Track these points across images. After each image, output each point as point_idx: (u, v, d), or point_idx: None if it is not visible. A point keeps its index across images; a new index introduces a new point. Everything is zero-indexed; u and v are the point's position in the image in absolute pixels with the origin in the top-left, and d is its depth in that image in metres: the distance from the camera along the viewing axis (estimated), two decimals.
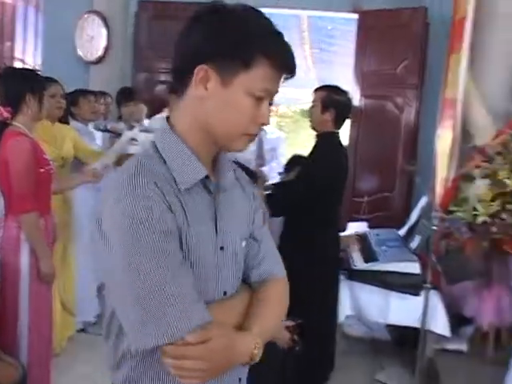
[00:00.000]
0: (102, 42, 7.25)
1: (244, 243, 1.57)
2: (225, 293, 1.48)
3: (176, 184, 1.36)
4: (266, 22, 1.40)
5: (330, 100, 3.84)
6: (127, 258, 1.26)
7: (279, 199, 3.86)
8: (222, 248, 1.47)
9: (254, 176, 3.82)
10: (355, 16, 6.85)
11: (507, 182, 3.80)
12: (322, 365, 3.95)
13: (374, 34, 6.57)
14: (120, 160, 4.76)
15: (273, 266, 1.64)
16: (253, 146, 6.00)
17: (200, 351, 1.25)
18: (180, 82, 1.41)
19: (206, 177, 1.43)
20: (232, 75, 1.33)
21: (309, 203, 3.76)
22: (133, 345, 1.31)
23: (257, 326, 1.44)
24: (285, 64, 1.38)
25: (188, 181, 1.39)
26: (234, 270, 1.52)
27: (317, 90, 3.99)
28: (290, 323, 3.11)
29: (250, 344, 1.40)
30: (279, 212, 3.85)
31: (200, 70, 1.33)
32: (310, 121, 4.01)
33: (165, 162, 1.39)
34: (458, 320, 4.25)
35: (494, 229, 3.84)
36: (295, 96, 13.87)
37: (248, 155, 5.79)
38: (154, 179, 1.31)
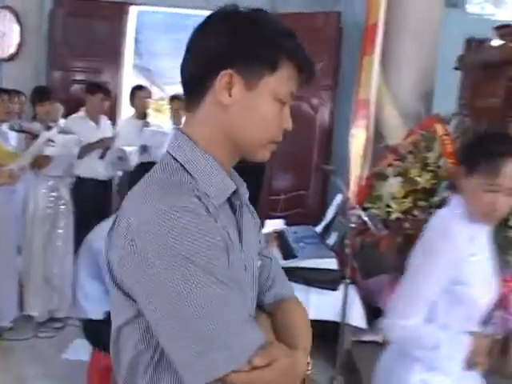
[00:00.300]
0: (15, 39, 6.98)
1: (259, 262, 1.47)
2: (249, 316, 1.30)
3: (209, 200, 1.22)
4: (283, 25, 1.29)
5: None
6: (182, 287, 1.09)
7: None
8: (245, 268, 1.34)
9: None
10: None
11: (418, 179, 3.89)
12: None
13: None
14: (36, 161, 4.61)
15: (284, 286, 1.54)
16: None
17: (269, 374, 1.13)
18: (196, 90, 1.27)
19: (234, 192, 1.31)
20: (257, 79, 1.23)
21: None
22: (192, 381, 1.13)
23: (301, 347, 1.32)
24: (307, 65, 1.30)
25: (220, 196, 1.26)
26: (255, 291, 1.41)
27: None
28: None
29: (305, 362, 1.31)
30: None
31: (224, 76, 1.21)
32: None
33: (192, 176, 1.23)
34: (373, 312, 4.31)
35: (406, 224, 3.91)
36: None
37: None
38: (196, 193, 1.18)
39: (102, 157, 5.69)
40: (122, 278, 1.17)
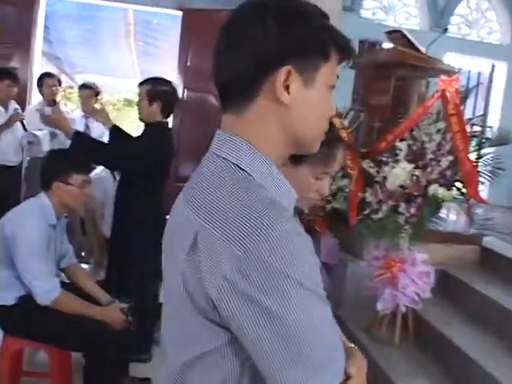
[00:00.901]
0: None
1: None
2: None
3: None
4: (316, 7, 1.12)
5: (156, 92, 3.75)
6: (301, 316, 0.95)
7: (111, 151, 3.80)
8: None
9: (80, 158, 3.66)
10: (180, 13, 6.83)
11: None
12: (147, 339, 3.89)
13: (196, 31, 6.57)
14: None
15: None
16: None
17: (360, 379, 1.10)
18: (244, 90, 1.08)
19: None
20: (314, 72, 1.08)
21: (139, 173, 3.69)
22: None
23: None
24: (348, 44, 1.14)
25: (290, 208, 1.12)
26: None
27: (141, 83, 3.88)
28: (124, 305, 3.05)
29: None
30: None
31: (282, 73, 1.05)
32: (139, 113, 3.91)
33: (265, 187, 1.06)
34: None
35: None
36: (119, 86, 13.56)
37: None
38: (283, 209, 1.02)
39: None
40: (219, 305, 0.97)
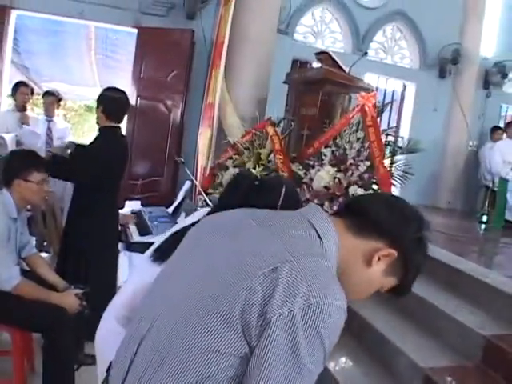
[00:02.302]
0: None
1: None
2: None
3: None
4: None
5: (100, 97, 3.61)
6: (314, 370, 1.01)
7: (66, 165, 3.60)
8: None
9: (45, 161, 3.48)
10: (135, 31, 6.74)
11: (253, 170, 3.93)
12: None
13: (150, 47, 6.47)
14: None
15: None
16: (43, 135, 5.57)
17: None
18: (368, 229, 1.17)
19: None
20: (399, 272, 1.22)
21: (93, 179, 3.54)
22: None
23: None
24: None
25: None
26: None
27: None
28: (79, 291, 2.95)
29: None
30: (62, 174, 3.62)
31: (387, 251, 1.16)
32: (96, 119, 3.77)
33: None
34: None
35: None
36: (81, 93, 13.27)
37: (39, 143, 5.39)
38: None
39: None
40: (270, 327, 0.97)
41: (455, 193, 8.61)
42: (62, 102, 6.15)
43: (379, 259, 1.15)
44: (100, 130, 3.66)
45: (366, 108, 3.45)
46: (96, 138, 3.69)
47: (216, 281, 1.06)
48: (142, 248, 4.07)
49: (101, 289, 3.57)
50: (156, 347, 1.09)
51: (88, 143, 3.86)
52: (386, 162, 3.74)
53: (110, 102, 3.60)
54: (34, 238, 4.54)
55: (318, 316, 0.97)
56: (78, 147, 3.88)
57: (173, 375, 1.04)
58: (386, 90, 5.95)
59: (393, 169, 3.77)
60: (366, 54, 5.30)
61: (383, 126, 4.40)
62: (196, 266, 1.15)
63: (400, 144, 4.45)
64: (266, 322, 0.97)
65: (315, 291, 0.98)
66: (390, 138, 4.26)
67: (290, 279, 0.98)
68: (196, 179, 4.96)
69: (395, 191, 7.03)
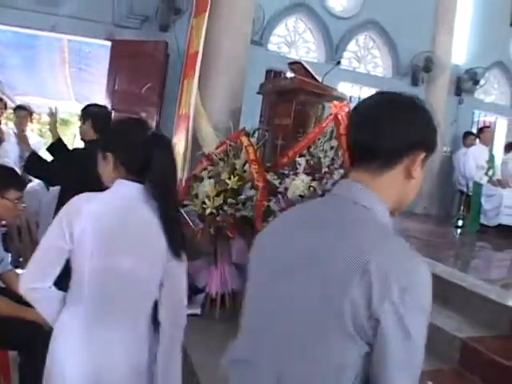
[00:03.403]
0: None
1: None
2: None
3: None
4: None
5: (86, 112, 3.67)
6: (421, 342, 1.12)
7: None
8: None
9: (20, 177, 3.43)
10: (109, 43, 6.71)
11: (228, 181, 3.92)
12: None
13: (124, 59, 6.47)
14: None
15: None
16: (16, 151, 5.51)
17: None
18: (390, 159, 1.24)
19: None
20: (427, 159, 1.28)
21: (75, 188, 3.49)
22: None
23: None
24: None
25: None
26: None
27: (82, 109, 3.80)
28: None
29: None
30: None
31: (421, 157, 1.25)
32: (80, 133, 3.79)
33: None
34: (193, 290, 4.29)
35: (218, 218, 3.94)
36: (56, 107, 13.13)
37: (12, 157, 5.33)
38: None
39: None
40: (380, 322, 1.07)
41: (430, 198, 8.71)
42: (36, 116, 6.10)
43: (415, 169, 1.25)
44: (87, 143, 3.68)
45: (339, 117, 3.46)
46: (82, 149, 3.71)
47: (318, 303, 1.14)
48: None
49: None
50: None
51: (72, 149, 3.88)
52: None
53: (98, 116, 3.68)
54: (10, 255, 4.47)
55: (414, 295, 1.07)
56: (60, 149, 3.87)
57: None
58: (359, 99, 5.99)
59: None
60: (338, 63, 5.34)
61: None
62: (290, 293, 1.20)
63: None
64: (376, 321, 1.07)
65: (402, 275, 1.08)
66: None
67: (379, 275, 1.07)
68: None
69: None
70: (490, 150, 7.52)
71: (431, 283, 1.11)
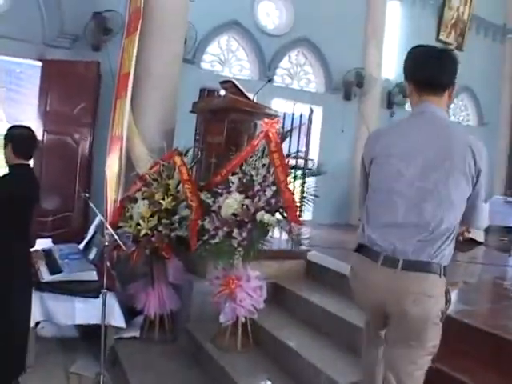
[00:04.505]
0: None
1: None
2: None
3: None
4: None
5: (8, 135, 3.53)
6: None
7: None
8: None
9: None
10: (40, 63, 6.57)
11: (162, 202, 3.91)
12: (12, 367, 3.56)
13: (55, 79, 6.33)
14: None
15: None
16: None
17: None
18: (444, 88, 2.19)
19: None
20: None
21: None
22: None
23: None
24: None
25: None
26: None
27: (5, 133, 3.67)
28: None
29: None
30: None
31: (454, 88, 2.23)
32: (4, 157, 3.65)
33: None
34: (131, 313, 4.24)
35: (153, 239, 3.91)
36: None
37: None
38: None
39: None
40: (479, 173, 2.09)
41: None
42: None
43: (453, 94, 2.25)
44: (10, 167, 3.55)
45: (270, 134, 3.50)
46: (6, 175, 3.57)
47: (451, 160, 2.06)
48: (53, 287, 3.95)
49: (13, 333, 3.40)
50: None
51: None
52: (298, 184, 3.84)
53: (18, 140, 3.53)
54: None
55: (486, 155, 2.10)
56: None
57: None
58: (293, 115, 6.07)
59: (305, 190, 3.85)
60: (269, 80, 5.43)
61: (293, 149, 4.50)
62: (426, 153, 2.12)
63: (310, 166, 4.57)
64: (479, 172, 2.07)
65: (480, 146, 2.09)
66: (301, 161, 4.37)
67: (476, 148, 2.06)
68: (106, 213, 4.86)
69: (308, 213, 7.22)
70: None
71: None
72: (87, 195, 4.25)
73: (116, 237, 3.38)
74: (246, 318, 3.63)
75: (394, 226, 2.05)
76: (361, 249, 2.20)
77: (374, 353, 2.34)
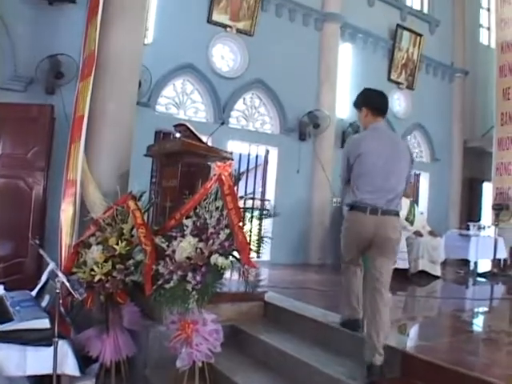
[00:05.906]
0: None
1: None
2: None
3: None
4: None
5: None
6: None
7: None
8: None
9: None
10: None
11: (116, 247, 3.89)
12: None
13: (8, 123, 6.25)
14: None
15: None
16: None
17: None
18: (385, 114, 3.76)
19: None
20: None
21: None
22: None
23: None
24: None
25: None
26: None
27: None
28: None
29: None
30: None
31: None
32: None
33: None
34: (86, 361, 4.14)
35: (108, 285, 3.87)
36: None
37: None
38: None
39: None
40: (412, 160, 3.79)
41: (324, 249, 9.00)
42: None
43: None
44: None
45: (223, 177, 3.55)
46: None
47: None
48: (2, 336, 3.83)
49: None
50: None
51: None
52: (255, 225, 3.89)
53: None
54: None
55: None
56: None
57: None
58: (249, 156, 6.19)
59: (261, 232, 3.91)
60: (222, 123, 5.53)
61: (249, 189, 4.57)
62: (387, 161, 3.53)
63: (267, 207, 4.64)
64: (412, 159, 3.65)
65: (409, 146, 3.92)
66: (258, 202, 4.44)
67: (409, 147, 3.73)
68: (61, 258, 4.79)
69: (265, 253, 7.25)
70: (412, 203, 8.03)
71: None
72: (37, 242, 4.20)
73: (67, 284, 3.34)
74: (203, 362, 3.60)
75: (374, 191, 3.44)
76: (353, 206, 3.53)
77: (353, 270, 3.87)
